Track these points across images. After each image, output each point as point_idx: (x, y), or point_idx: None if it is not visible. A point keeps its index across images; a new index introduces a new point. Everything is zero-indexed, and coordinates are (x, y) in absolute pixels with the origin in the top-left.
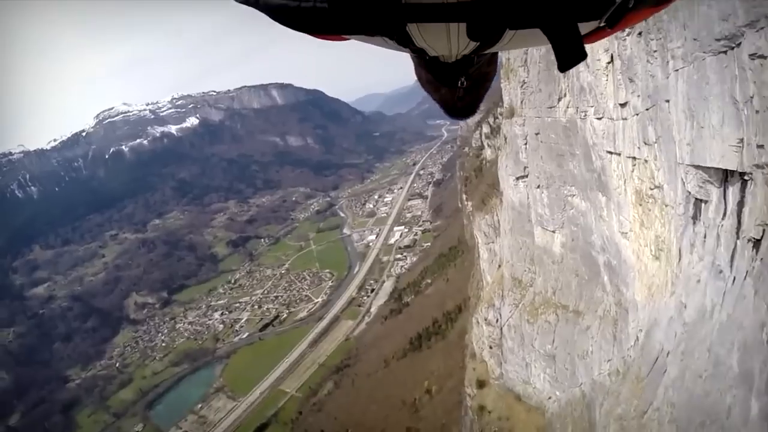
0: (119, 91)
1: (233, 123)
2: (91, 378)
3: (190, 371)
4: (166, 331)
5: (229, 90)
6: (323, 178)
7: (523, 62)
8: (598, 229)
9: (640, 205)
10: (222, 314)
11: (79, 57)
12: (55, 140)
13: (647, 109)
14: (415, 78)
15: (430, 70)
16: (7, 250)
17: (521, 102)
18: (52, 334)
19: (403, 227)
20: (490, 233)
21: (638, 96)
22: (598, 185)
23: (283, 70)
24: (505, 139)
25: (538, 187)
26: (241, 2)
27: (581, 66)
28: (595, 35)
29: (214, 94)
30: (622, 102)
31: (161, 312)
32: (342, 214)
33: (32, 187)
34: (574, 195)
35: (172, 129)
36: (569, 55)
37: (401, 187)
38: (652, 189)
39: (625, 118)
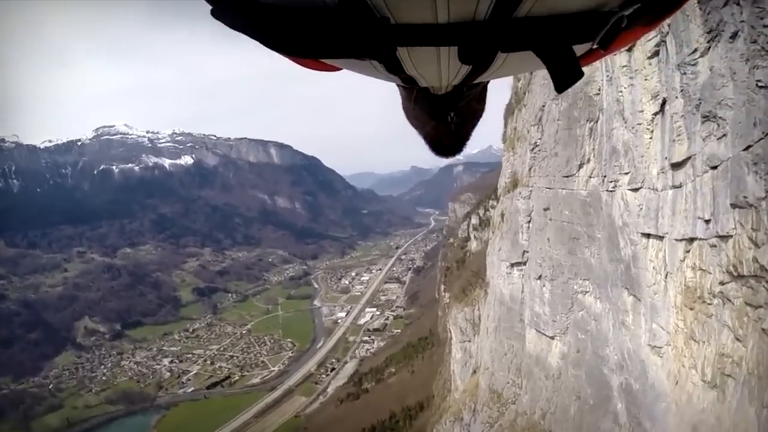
0: (123, 111)
1: (226, 171)
2: (20, 392)
3: (125, 414)
4: (110, 365)
5: (229, 138)
6: (304, 245)
7: (537, 120)
8: (617, 340)
9: (691, 309)
10: (172, 362)
11: (93, 67)
12: (50, 141)
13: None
14: (411, 165)
15: (419, 102)
16: None
17: (529, 169)
18: None
19: (375, 309)
20: (468, 330)
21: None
22: (625, 280)
23: (285, 130)
24: (502, 216)
25: (539, 278)
26: (224, 23)
27: (616, 121)
28: (589, 57)
29: (214, 138)
30: (678, 161)
31: (110, 344)
32: (316, 285)
33: (14, 180)
34: (587, 292)
35: (166, 162)
36: (566, 76)
37: (380, 269)
38: (722, 284)
39: (679, 186)
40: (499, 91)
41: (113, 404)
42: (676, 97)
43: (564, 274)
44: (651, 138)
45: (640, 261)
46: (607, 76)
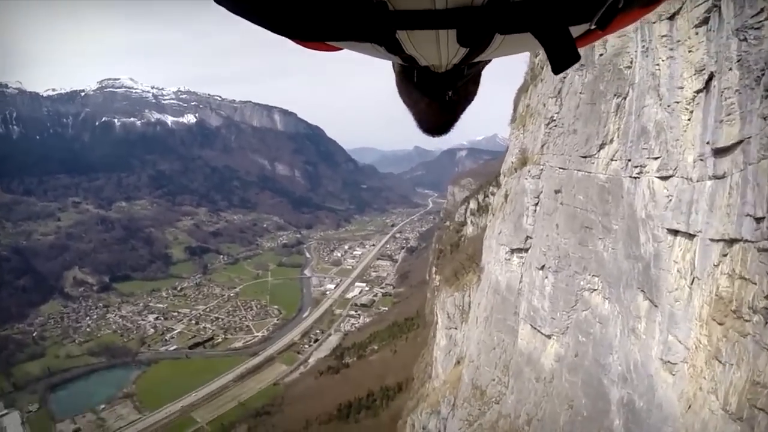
0: (129, 66)
1: (228, 133)
2: (3, 338)
3: (106, 366)
4: (95, 316)
5: (234, 100)
6: (300, 214)
7: (556, 92)
8: (623, 349)
9: (721, 323)
10: (157, 318)
11: (102, 19)
12: (53, 90)
13: None
14: (415, 145)
15: (417, 80)
16: None
17: (542, 146)
18: None
19: (364, 285)
20: (455, 316)
21: None
22: (641, 281)
23: (291, 98)
24: (506, 197)
25: (542, 268)
26: (226, 8)
27: (649, 98)
28: (587, 38)
29: (219, 99)
30: (725, 145)
31: (97, 296)
32: (308, 255)
33: (15, 126)
34: (594, 290)
35: (168, 119)
36: (563, 58)
37: (373, 245)
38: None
39: (722, 176)
40: (510, 77)
41: (95, 356)
42: (730, 69)
43: (570, 267)
44: (690, 119)
45: (662, 261)
46: (643, 46)
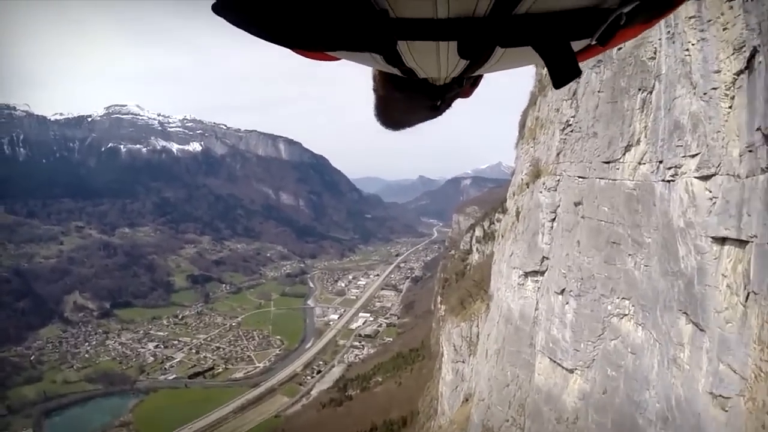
0: (135, 93)
1: (233, 162)
2: (1, 360)
3: (103, 394)
4: (94, 342)
5: (239, 129)
6: (303, 244)
7: (571, 94)
8: (662, 383)
9: None
10: (157, 347)
11: (110, 45)
12: (60, 115)
13: None
14: (419, 174)
15: (411, 90)
16: None
17: (558, 154)
18: None
19: (369, 315)
20: (462, 349)
21: None
22: (683, 302)
23: (296, 127)
24: (516, 215)
25: (562, 292)
26: (226, 19)
27: (681, 88)
28: (587, 53)
29: (224, 128)
30: None
31: (97, 321)
32: (311, 285)
33: (21, 149)
34: (625, 315)
35: (174, 147)
36: (563, 73)
37: (378, 275)
38: None
39: None
40: (514, 105)
41: (92, 383)
42: None
43: (596, 290)
44: (731, 106)
45: (708, 276)
46: (668, 32)
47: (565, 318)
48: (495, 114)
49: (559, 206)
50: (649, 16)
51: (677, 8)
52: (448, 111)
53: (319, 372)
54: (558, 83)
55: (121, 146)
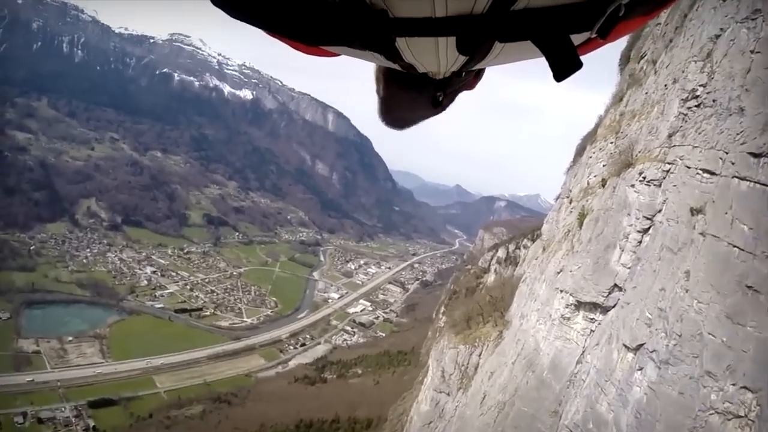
0: (202, 25)
1: (280, 119)
2: (1, 241)
3: (88, 301)
4: (95, 251)
5: (293, 89)
6: (326, 216)
7: (705, 54)
8: None
9: None
10: (154, 272)
11: None
12: (125, 29)
13: None
14: (457, 183)
15: (412, 86)
16: (20, 84)
17: (671, 135)
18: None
19: (369, 304)
20: (452, 378)
21: None
22: None
23: (349, 102)
24: (580, 219)
25: (637, 349)
26: (224, 10)
27: None
28: (588, 46)
29: (279, 84)
30: None
31: (104, 232)
32: (321, 259)
33: (79, 51)
34: (739, 416)
35: (226, 89)
36: (564, 66)
37: (389, 267)
38: None
39: None
40: (561, 138)
41: (82, 288)
42: None
43: (699, 360)
44: None
45: None
46: None
47: (631, 393)
48: (543, 147)
49: (660, 210)
50: (650, 7)
51: (676, 1)
52: (451, 106)
53: (302, 345)
54: (559, 77)
55: (175, 74)
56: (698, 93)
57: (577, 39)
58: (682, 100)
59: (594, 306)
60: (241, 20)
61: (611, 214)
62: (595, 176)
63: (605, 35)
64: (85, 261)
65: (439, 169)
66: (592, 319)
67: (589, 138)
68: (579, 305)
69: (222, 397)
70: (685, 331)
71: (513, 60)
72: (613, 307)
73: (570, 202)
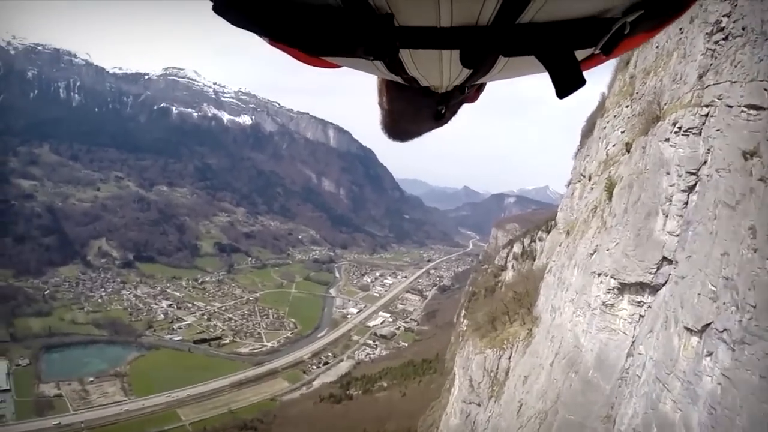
0: (195, 58)
1: (281, 141)
2: (15, 289)
3: (106, 341)
4: (110, 290)
5: (291, 109)
6: (337, 232)
7: None
8: None
9: None
10: (170, 306)
11: (174, 8)
12: (119, 69)
13: None
14: (464, 185)
15: (414, 99)
16: (21, 133)
17: (702, 75)
18: (9, 226)
19: (388, 315)
20: (482, 387)
21: None
22: None
23: (348, 116)
24: (609, 190)
25: (702, 330)
26: (227, 19)
27: None
28: (591, 61)
29: (276, 106)
30: None
31: (117, 270)
32: (337, 275)
33: (76, 95)
34: None
35: (225, 116)
36: (567, 82)
37: (405, 276)
38: None
39: None
40: (566, 130)
41: (99, 328)
42: None
43: None
44: None
45: None
46: None
47: (701, 385)
48: (546, 138)
49: (705, 162)
50: (654, 25)
51: (681, 17)
52: (453, 119)
53: (325, 363)
54: (561, 93)
55: (173, 108)
56: (723, 24)
57: (579, 55)
58: (707, 35)
59: (641, 286)
60: (244, 28)
61: (646, 177)
62: (614, 145)
63: (609, 52)
64: (100, 301)
65: (445, 172)
66: (639, 302)
67: (597, 113)
68: (622, 288)
69: (248, 423)
70: (761, 299)
71: (516, 75)
72: (665, 284)
73: (589, 180)
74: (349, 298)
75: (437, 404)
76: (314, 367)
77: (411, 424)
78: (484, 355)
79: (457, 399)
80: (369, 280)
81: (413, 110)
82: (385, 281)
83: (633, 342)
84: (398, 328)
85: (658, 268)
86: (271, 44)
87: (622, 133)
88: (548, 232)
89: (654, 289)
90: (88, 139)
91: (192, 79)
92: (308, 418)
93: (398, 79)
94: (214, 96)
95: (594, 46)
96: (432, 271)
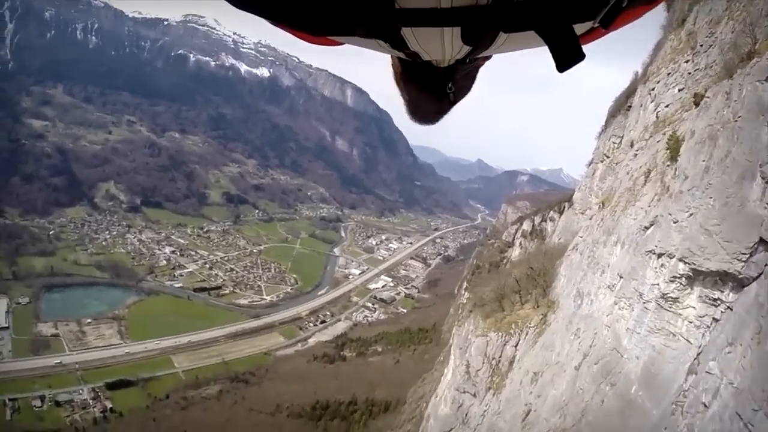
0: (216, 7)
1: (298, 96)
2: (21, 227)
3: (107, 284)
4: (115, 233)
5: (311, 65)
6: (346, 192)
7: None
8: None
9: None
10: (173, 252)
11: None
12: (138, 13)
13: None
14: (478, 158)
15: (417, 73)
16: (36, 73)
17: None
18: (18, 165)
19: (390, 280)
20: (480, 375)
21: None
22: None
23: (368, 78)
24: (672, 148)
25: None
26: (228, 1)
27: None
28: (590, 35)
29: (296, 60)
30: None
31: (123, 214)
32: (342, 234)
33: (93, 37)
34: None
35: (243, 67)
36: (567, 56)
37: (411, 243)
38: None
39: None
40: (581, 116)
41: (101, 270)
42: None
43: None
44: None
45: None
46: None
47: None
48: (563, 122)
49: None
50: None
51: None
52: (467, 97)
53: (323, 322)
54: (561, 67)
55: (191, 55)
56: None
57: (578, 29)
58: None
59: (721, 277)
60: (245, 10)
61: (738, 128)
62: (667, 106)
63: (607, 25)
64: (104, 243)
65: (461, 143)
66: (715, 299)
67: (632, 87)
68: (695, 276)
69: (239, 376)
70: None
71: (517, 49)
72: (757, 278)
73: (631, 146)
74: (352, 259)
75: (429, 377)
76: (311, 324)
77: (401, 393)
78: (487, 338)
79: (450, 385)
80: (374, 242)
81: (430, 97)
82: (390, 245)
83: (699, 354)
84: (398, 294)
85: (751, 254)
86: (273, 24)
87: (679, 91)
88: (561, 213)
89: (740, 283)
90: (103, 81)
91: (212, 28)
92: (299, 375)
93: (401, 54)
94: (233, 46)
95: (592, 20)
96: (438, 240)
